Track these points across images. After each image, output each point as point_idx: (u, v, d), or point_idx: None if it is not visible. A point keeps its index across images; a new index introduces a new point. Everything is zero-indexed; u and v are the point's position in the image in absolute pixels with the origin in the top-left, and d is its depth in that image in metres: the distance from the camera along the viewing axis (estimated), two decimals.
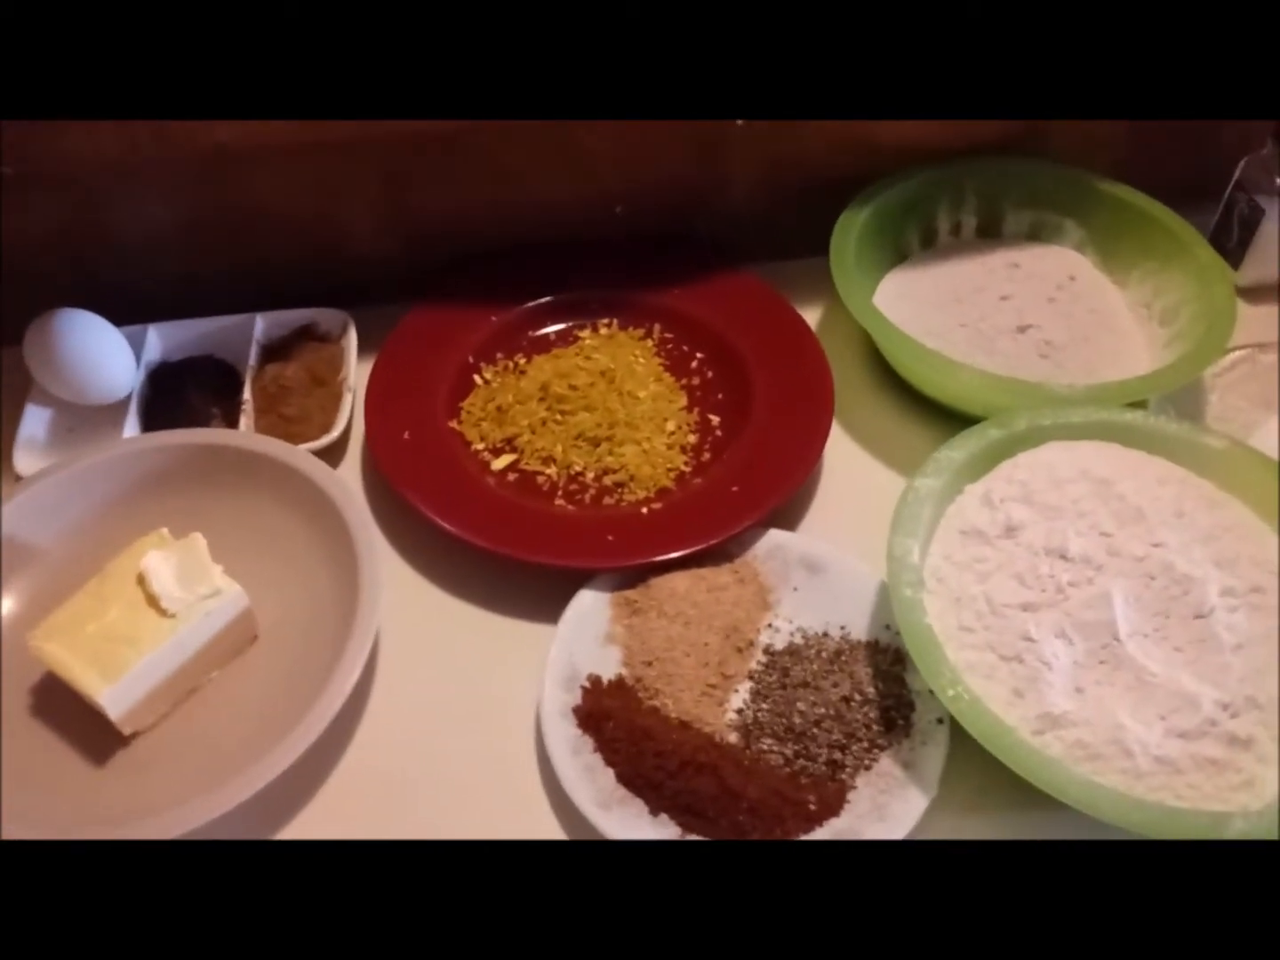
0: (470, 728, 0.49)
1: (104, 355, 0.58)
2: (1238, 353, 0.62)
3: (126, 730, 0.47)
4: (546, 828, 0.46)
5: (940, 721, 0.46)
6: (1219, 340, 0.56)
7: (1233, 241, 0.67)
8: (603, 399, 0.59)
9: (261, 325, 0.63)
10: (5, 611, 0.52)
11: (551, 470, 0.57)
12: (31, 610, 0.51)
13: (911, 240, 0.67)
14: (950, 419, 0.59)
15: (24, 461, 0.57)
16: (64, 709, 0.49)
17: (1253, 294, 0.68)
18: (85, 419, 0.59)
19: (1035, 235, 0.67)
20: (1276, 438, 0.58)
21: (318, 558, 0.52)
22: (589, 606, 0.51)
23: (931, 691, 0.46)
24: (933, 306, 0.63)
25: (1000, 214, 0.68)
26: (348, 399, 0.59)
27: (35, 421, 0.59)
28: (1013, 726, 0.43)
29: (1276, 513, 0.50)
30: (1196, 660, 0.44)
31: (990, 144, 0.67)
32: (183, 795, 0.44)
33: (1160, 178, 0.66)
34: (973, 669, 0.45)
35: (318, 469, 0.54)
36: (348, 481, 0.57)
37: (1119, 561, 0.47)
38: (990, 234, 0.68)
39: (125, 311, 0.61)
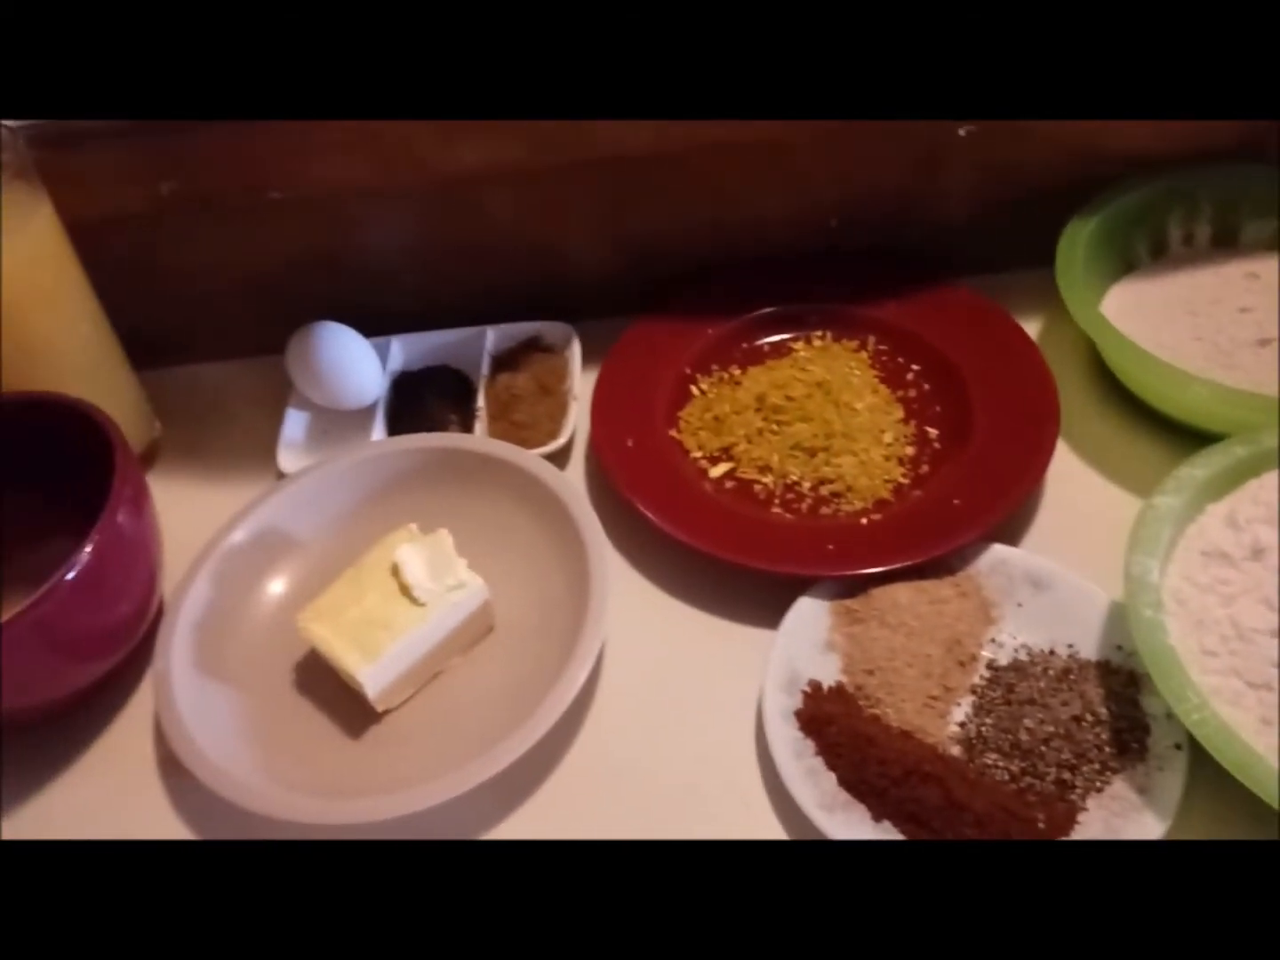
0: (690, 727, 0.51)
1: (355, 364, 0.63)
2: None
3: (380, 708, 0.52)
4: (768, 828, 0.47)
5: (1178, 747, 0.45)
6: None
7: None
8: (819, 410, 0.60)
9: (492, 337, 0.67)
10: (274, 595, 0.57)
11: (768, 479, 0.59)
12: (295, 594, 0.56)
13: (1140, 250, 0.65)
14: (1182, 436, 0.57)
15: (286, 460, 0.63)
16: (322, 685, 0.53)
17: None
18: (338, 423, 0.65)
19: (1277, 245, 0.64)
20: None
21: (549, 556, 0.55)
22: (809, 614, 0.52)
23: (1168, 716, 0.45)
24: (1164, 319, 0.61)
25: (1237, 223, 0.65)
26: (573, 407, 0.62)
27: (295, 424, 0.65)
28: (1263, 755, 0.41)
29: None
30: None
31: (1224, 150, 0.65)
32: (426, 772, 0.48)
33: None
34: (1217, 694, 0.44)
35: (548, 472, 0.57)
36: (574, 485, 0.60)
37: None
38: (1226, 244, 0.65)
39: (372, 324, 0.66)
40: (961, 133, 0.63)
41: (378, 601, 0.51)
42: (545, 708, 0.48)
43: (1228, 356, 0.58)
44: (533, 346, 0.67)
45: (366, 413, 0.64)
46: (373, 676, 0.50)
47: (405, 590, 0.51)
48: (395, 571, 0.52)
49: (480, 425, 0.63)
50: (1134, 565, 0.46)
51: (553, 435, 0.62)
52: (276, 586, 0.57)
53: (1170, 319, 0.61)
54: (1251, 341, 0.58)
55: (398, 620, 0.51)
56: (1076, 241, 0.61)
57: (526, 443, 0.61)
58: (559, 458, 0.62)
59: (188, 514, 0.59)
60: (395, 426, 0.64)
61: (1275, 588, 0.45)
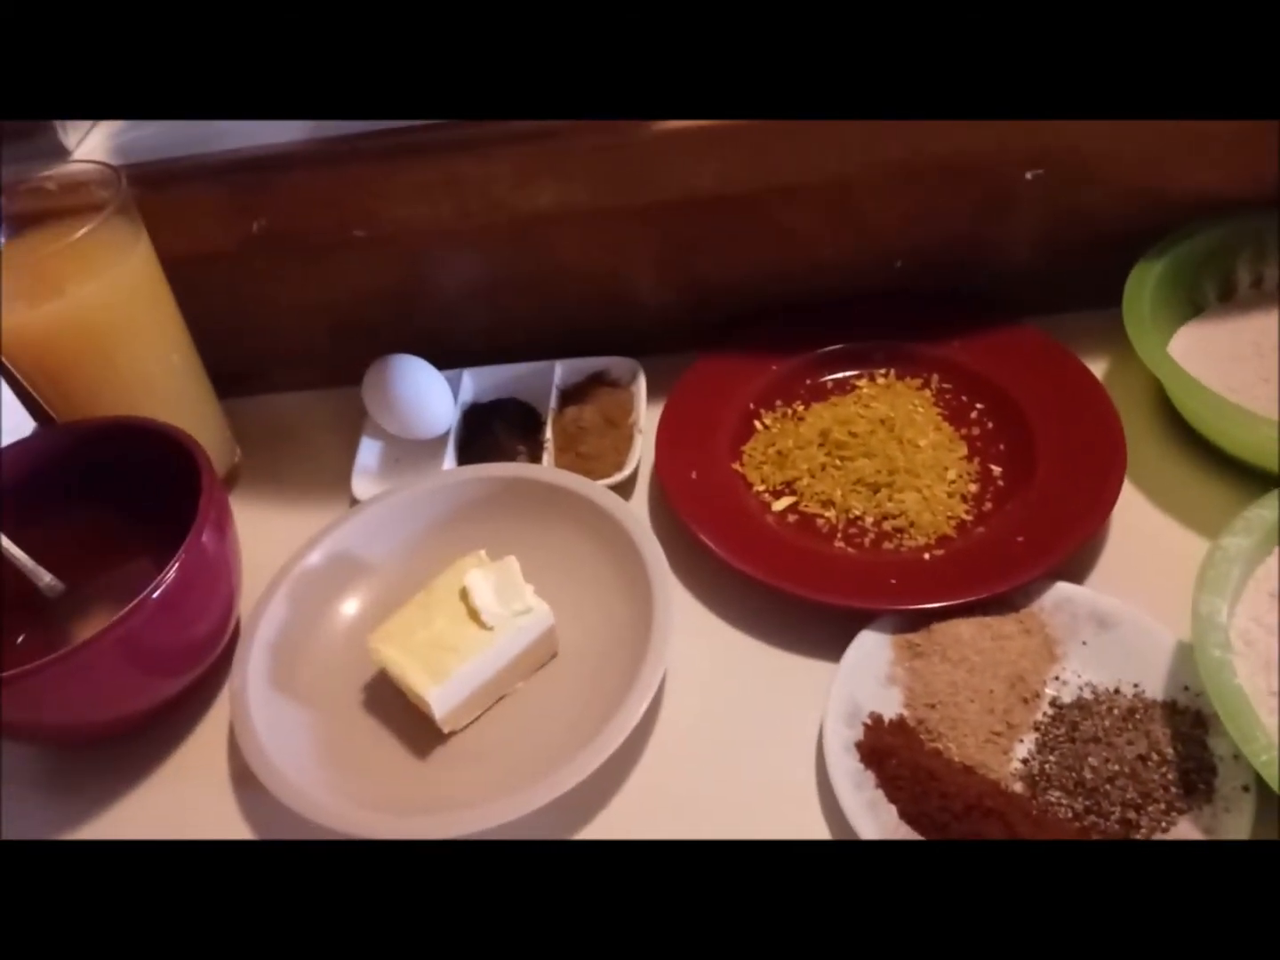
0: (751, 758, 0.51)
1: (428, 396, 0.66)
2: None
3: (446, 728, 0.53)
4: None
5: (1246, 789, 0.44)
6: None
7: None
8: (882, 446, 0.60)
9: (560, 371, 0.69)
10: (346, 617, 0.59)
11: (831, 514, 0.59)
12: (367, 617, 0.58)
13: (1208, 293, 0.65)
14: (1249, 477, 0.57)
15: (360, 487, 0.65)
16: (391, 706, 0.55)
17: None
18: (410, 452, 0.67)
19: None
20: None
21: (613, 585, 0.56)
22: (870, 647, 0.52)
23: (1236, 757, 0.44)
24: (1232, 361, 0.61)
25: None
26: (639, 440, 0.64)
27: (369, 453, 0.67)
28: None
29: None
30: None
31: None
32: (489, 793, 0.49)
33: None
34: None
35: (614, 503, 0.58)
36: (639, 516, 0.61)
37: None
38: None
39: (444, 357, 0.68)
40: (1028, 176, 0.64)
41: (446, 625, 0.53)
42: (606, 735, 0.49)
43: None
44: (599, 381, 0.69)
45: (438, 443, 0.66)
46: (440, 697, 0.51)
47: (474, 614, 0.53)
48: (464, 596, 0.54)
49: (547, 456, 0.64)
50: (1202, 605, 0.46)
51: (618, 467, 0.63)
52: (349, 609, 0.59)
53: (1238, 361, 0.61)
54: None
55: (465, 643, 0.52)
56: (1144, 283, 0.61)
57: (592, 474, 0.62)
58: (624, 489, 0.63)
59: (265, 537, 0.61)
60: (465, 456, 0.66)
61: None
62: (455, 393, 0.68)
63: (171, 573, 0.49)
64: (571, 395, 0.68)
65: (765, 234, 0.68)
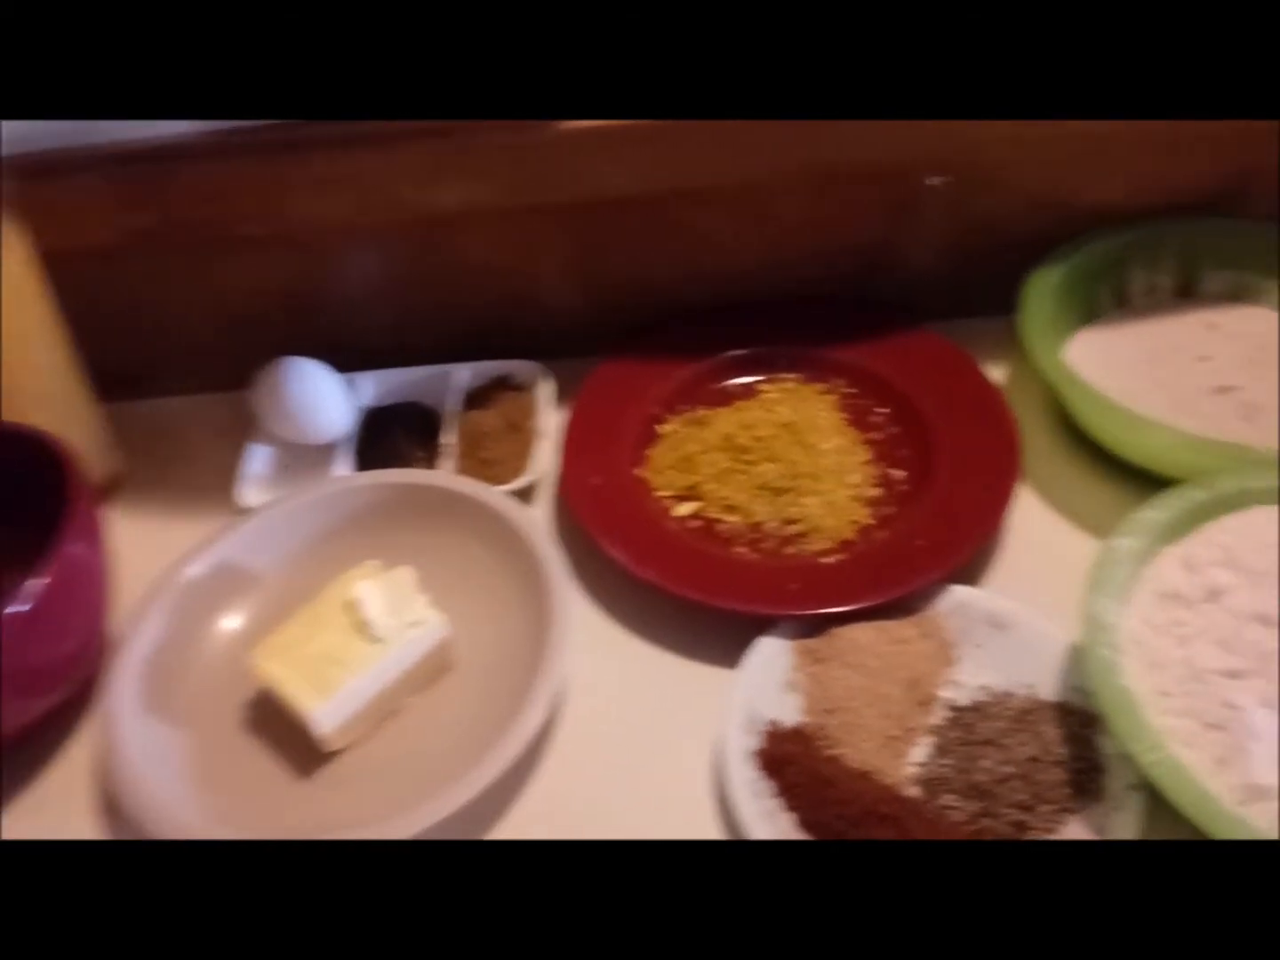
0: (650, 767, 0.50)
1: (323, 400, 0.63)
2: None
3: (331, 747, 0.51)
4: None
5: (1134, 788, 0.44)
6: None
7: None
8: (786, 450, 0.60)
9: (463, 375, 0.67)
10: (228, 631, 0.56)
11: (734, 518, 0.59)
12: (251, 631, 0.55)
13: (1104, 300, 0.66)
14: (1141, 480, 0.57)
15: (248, 494, 0.62)
16: (275, 725, 0.52)
17: None
18: (303, 458, 0.64)
19: (1236, 296, 0.65)
20: None
21: (511, 594, 0.55)
22: (770, 653, 0.51)
23: (1125, 757, 0.45)
24: (1126, 366, 0.62)
25: (1198, 275, 0.66)
26: (540, 445, 0.62)
27: (259, 459, 0.65)
28: (1217, 796, 0.41)
29: None
30: None
31: (1188, 204, 0.66)
32: (377, 814, 0.47)
33: None
34: (1173, 735, 0.43)
35: (513, 509, 0.57)
36: (539, 523, 0.60)
37: None
38: (1186, 295, 0.66)
39: (343, 360, 0.66)
40: (933, 183, 0.64)
41: (333, 639, 0.51)
42: (499, 749, 0.47)
43: (1186, 403, 0.59)
44: (502, 385, 0.67)
45: (332, 448, 0.64)
46: (325, 715, 0.49)
47: (362, 627, 0.51)
48: (353, 608, 0.52)
49: (447, 462, 0.62)
50: (1091, 606, 0.46)
51: (519, 472, 0.61)
52: (232, 623, 0.56)
53: (1132, 367, 0.62)
54: (1210, 389, 0.59)
55: (353, 657, 0.50)
56: (1041, 290, 0.62)
57: (493, 480, 0.61)
58: (525, 495, 0.62)
59: (147, 548, 0.59)
60: (362, 462, 0.64)
61: (1231, 629, 0.45)
62: (353, 396, 0.66)
63: (30, 587, 0.47)
64: (474, 399, 0.66)
65: (673, 236, 0.67)
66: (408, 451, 0.64)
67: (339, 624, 0.52)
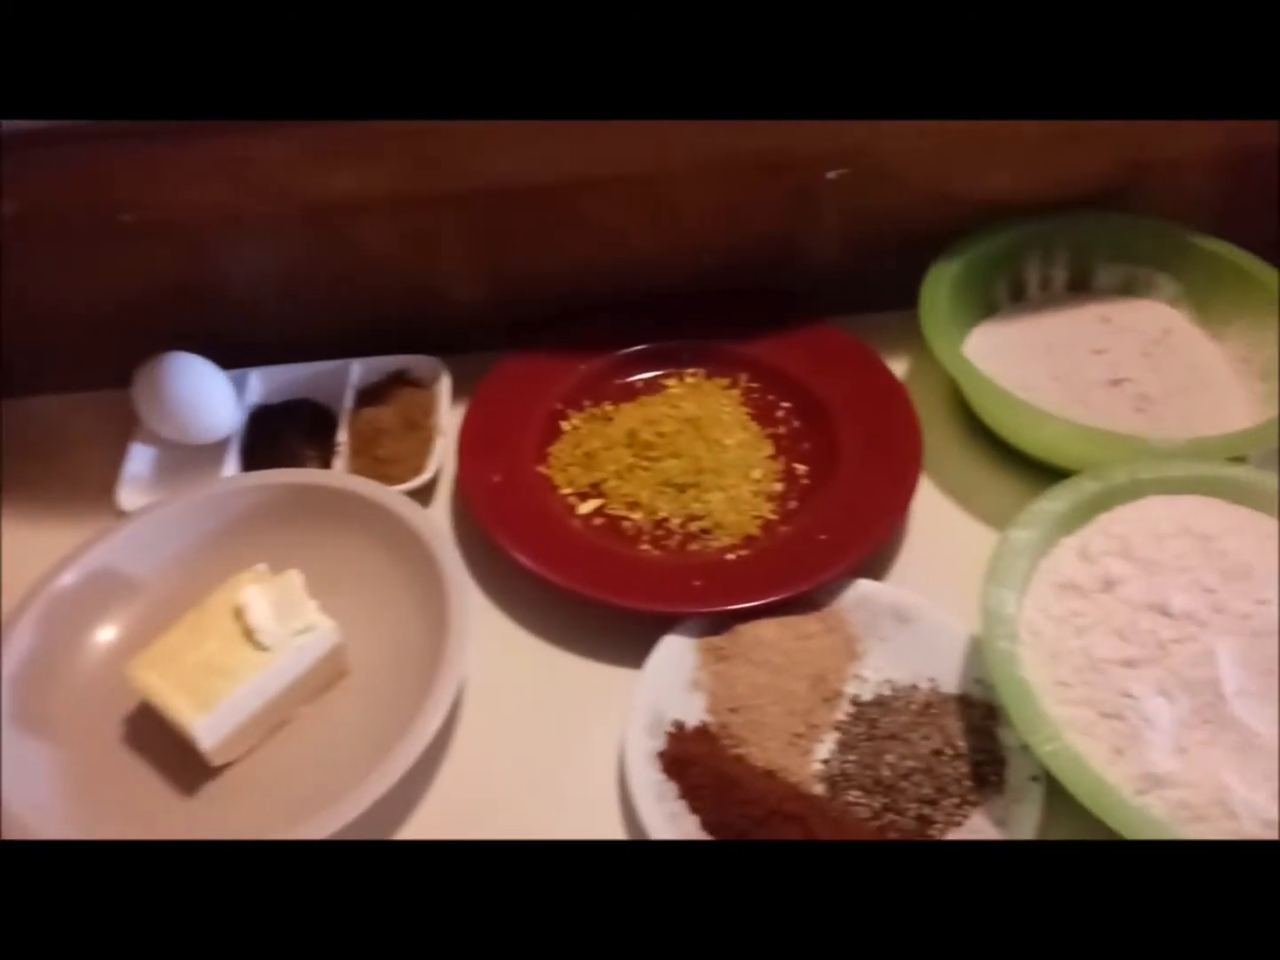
0: (553, 773, 0.49)
1: (207, 397, 0.60)
2: None
3: (216, 761, 0.48)
4: None
5: (1035, 779, 0.45)
6: None
7: None
8: (689, 446, 0.59)
9: (358, 370, 0.65)
10: (105, 642, 0.53)
11: (637, 515, 0.58)
12: (130, 641, 0.53)
13: (1000, 294, 0.66)
14: (1040, 472, 0.58)
15: (128, 498, 0.59)
16: (156, 739, 0.50)
17: None
18: (188, 458, 0.61)
19: (1128, 290, 0.66)
20: None
21: (408, 596, 0.53)
22: (674, 652, 0.50)
23: (1025, 748, 0.45)
24: (1023, 359, 0.63)
25: (1091, 269, 0.67)
26: (439, 443, 0.61)
27: (140, 460, 0.61)
28: (1114, 785, 0.41)
29: None
30: None
31: (1081, 199, 0.67)
32: (264, 829, 0.45)
33: (1256, 233, 0.65)
34: (1070, 725, 0.44)
35: (409, 509, 0.55)
36: (437, 523, 0.58)
37: (1223, 619, 0.45)
38: (1080, 288, 0.67)
39: (230, 355, 0.63)
40: (831, 176, 0.64)
41: (218, 647, 0.48)
42: (395, 757, 0.46)
43: (1082, 395, 0.60)
44: (400, 380, 0.65)
45: (218, 448, 0.61)
46: (207, 728, 0.47)
47: (248, 634, 0.49)
48: (239, 615, 0.49)
49: (341, 461, 0.60)
50: (989, 598, 0.47)
51: (417, 471, 0.59)
52: (110, 633, 0.53)
53: (1028, 360, 0.62)
54: (1104, 381, 0.60)
55: (238, 666, 0.48)
56: (939, 285, 0.62)
57: (389, 479, 0.59)
58: (423, 494, 0.60)
59: (25, 554, 0.56)
60: (250, 462, 0.61)
61: (1126, 619, 0.46)
62: (241, 393, 0.63)
63: None
64: (370, 395, 0.64)
65: (576, 227, 0.66)
66: (299, 451, 0.61)
67: (224, 632, 0.49)
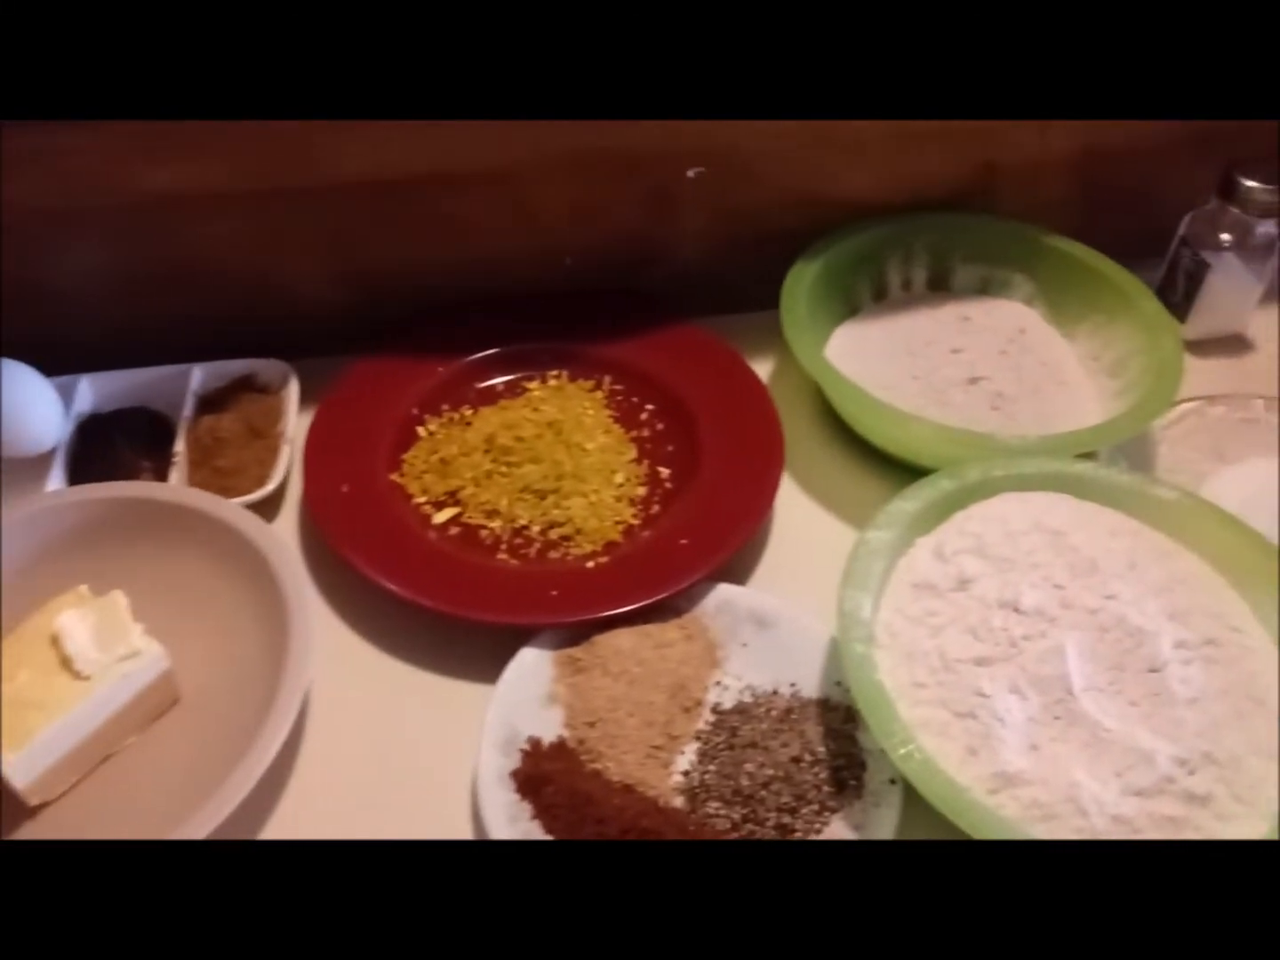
0: (403, 795, 0.47)
1: (28, 406, 0.56)
2: (1186, 405, 0.62)
3: (33, 801, 0.45)
4: None
5: (893, 782, 0.44)
6: (1167, 392, 0.56)
7: (1179, 296, 0.67)
8: (550, 451, 0.57)
9: (199, 376, 0.61)
10: None
11: (495, 524, 0.56)
12: None
13: (862, 294, 0.67)
14: (903, 471, 0.58)
15: None
16: None
17: (1200, 347, 0.68)
18: (9, 474, 0.57)
19: (985, 289, 0.67)
20: (1227, 488, 0.58)
21: (246, 615, 0.50)
22: (530, 665, 0.49)
23: (883, 751, 0.44)
24: (884, 359, 0.63)
25: (950, 269, 0.68)
26: (285, 451, 0.57)
27: None
28: (966, 786, 0.41)
29: (1229, 564, 0.49)
30: (1152, 715, 0.43)
31: (939, 200, 0.68)
32: None
33: (1107, 233, 0.66)
34: (926, 726, 0.44)
35: (248, 522, 0.51)
36: (283, 536, 0.55)
37: (1072, 614, 0.45)
38: (940, 288, 0.68)
39: (56, 361, 0.59)
40: (690, 174, 0.63)
41: (32, 677, 0.45)
42: (228, 787, 0.43)
43: (941, 395, 0.60)
44: (245, 386, 0.62)
45: (43, 461, 0.57)
46: (19, 766, 0.43)
47: (66, 663, 0.45)
48: (55, 642, 0.45)
49: (178, 473, 0.57)
50: (845, 600, 0.46)
51: (261, 482, 0.56)
52: None
53: (890, 359, 0.63)
54: (962, 380, 0.61)
55: (54, 698, 0.44)
56: (800, 285, 0.62)
57: (230, 491, 0.55)
58: (268, 506, 0.57)
59: None
60: (78, 475, 0.57)
61: (979, 617, 0.46)
62: (69, 402, 0.59)
63: None
64: (211, 402, 0.61)
65: (432, 226, 0.63)
66: (132, 462, 0.57)
67: (40, 661, 0.45)
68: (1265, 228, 0.64)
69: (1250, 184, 0.62)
